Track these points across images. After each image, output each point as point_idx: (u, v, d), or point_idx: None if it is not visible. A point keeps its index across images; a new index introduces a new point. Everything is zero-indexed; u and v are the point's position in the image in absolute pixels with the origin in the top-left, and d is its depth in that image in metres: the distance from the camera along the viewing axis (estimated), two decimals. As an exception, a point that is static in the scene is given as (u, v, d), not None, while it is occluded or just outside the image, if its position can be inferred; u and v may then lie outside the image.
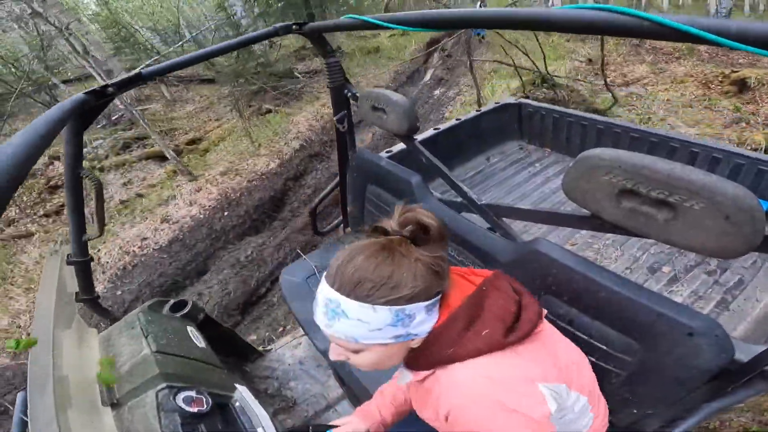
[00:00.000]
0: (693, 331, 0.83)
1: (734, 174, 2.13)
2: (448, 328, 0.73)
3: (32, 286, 4.19)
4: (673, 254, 2.11)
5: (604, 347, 1.01)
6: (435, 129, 2.92)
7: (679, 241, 0.75)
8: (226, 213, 4.90)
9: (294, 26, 1.43)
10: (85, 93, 1.03)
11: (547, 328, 0.85)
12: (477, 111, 3.10)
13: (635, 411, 1.00)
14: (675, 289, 1.93)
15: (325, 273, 0.72)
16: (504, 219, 1.33)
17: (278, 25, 1.42)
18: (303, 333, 1.96)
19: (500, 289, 0.80)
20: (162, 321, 1.40)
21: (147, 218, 4.95)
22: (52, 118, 0.75)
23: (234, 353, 1.72)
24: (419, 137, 2.79)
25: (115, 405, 0.93)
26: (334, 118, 1.81)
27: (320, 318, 0.71)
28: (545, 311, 0.86)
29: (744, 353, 0.85)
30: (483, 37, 9.54)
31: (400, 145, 2.62)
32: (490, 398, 0.67)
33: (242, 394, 1.20)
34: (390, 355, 0.74)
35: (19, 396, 0.87)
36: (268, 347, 1.92)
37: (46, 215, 5.30)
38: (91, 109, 1.09)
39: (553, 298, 1.10)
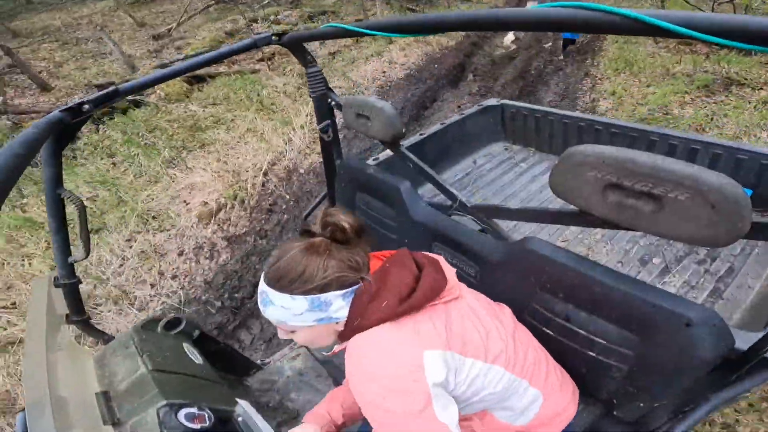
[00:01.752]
0: (690, 322, 0.83)
1: (713, 164, 2.18)
2: (356, 301, 0.84)
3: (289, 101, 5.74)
4: (662, 245, 2.15)
5: (603, 342, 1.01)
6: (420, 134, 2.94)
7: (667, 231, 0.75)
8: (436, 66, 6.73)
9: (273, 37, 1.43)
10: (61, 111, 1.01)
11: (465, 303, 0.94)
12: (461, 114, 3.13)
13: (641, 404, 1.00)
14: (667, 280, 1.96)
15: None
16: (494, 219, 1.34)
17: (256, 36, 1.43)
18: (300, 345, 1.94)
19: (401, 264, 0.89)
20: (156, 339, 1.37)
21: (370, 63, 6.64)
22: (28, 138, 0.74)
23: (232, 368, 1.69)
24: (405, 143, 2.81)
25: (116, 424, 0.90)
26: (318, 128, 1.80)
27: (259, 305, 0.86)
28: (461, 290, 0.96)
29: (743, 341, 0.87)
30: (573, 41, 6.71)
31: (388, 152, 2.63)
32: (371, 362, 0.78)
33: (244, 408, 1.18)
34: (320, 334, 0.88)
35: (19, 418, 0.83)
36: (267, 360, 1.89)
37: (262, 60, 6.98)
38: (67, 128, 1.07)
39: (548, 295, 1.11)
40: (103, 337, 1.42)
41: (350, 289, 0.83)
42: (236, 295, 3.06)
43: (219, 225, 3.56)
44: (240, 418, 1.13)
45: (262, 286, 0.84)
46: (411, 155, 1.46)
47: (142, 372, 1.12)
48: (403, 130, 1.40)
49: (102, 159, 4.51)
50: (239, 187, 3.91)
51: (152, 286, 3.06)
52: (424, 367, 0.77)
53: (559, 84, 5.69)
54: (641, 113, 4.42)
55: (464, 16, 0.82)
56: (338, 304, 0.83)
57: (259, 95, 5.73)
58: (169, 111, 5.36)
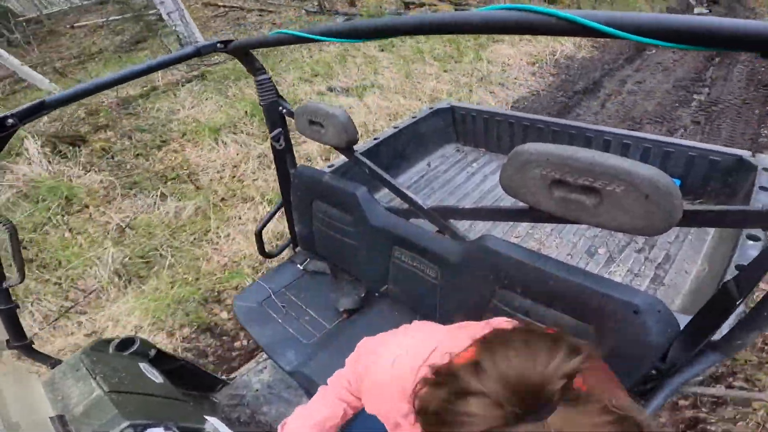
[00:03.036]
0: (638, 309, 0.88)
1: (644, 157, 2.37)
2: None
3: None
4: (605, 236, 2.29)
5: None
6: (375, 139, 2.95)
7: (607, 223, 0.79)
8: (600, 53, 8.00)
9: (219, 44, 1.37)
10: None
11: None
12: (413, 117, 3.19)
13: None
14: (613, 269, 2.09)
15: None
16: (451, 220, 1.36)
17: (200, 44, 1.37)
18: (266, 357, 1.87)
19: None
20: (109, 361, 1.29)
21: (526, 48, 7.77)
22: None
23: (196, 385, 1.60)
24: (360, 148, 2.81)
25: None
26: (270, 136, 1.74)
27: None
28: None
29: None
30: None
31: (342, 158, 2.61)
32: None
33: (214, 425, 1.13)
34: None
35: None
36: (232, 375, 1.81)
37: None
38: None
39: (507, 291, 1.14)
40: (50, 361, 1.30)
41: None
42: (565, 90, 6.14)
43: (538, 67, 6.87)
44: (211, 434, 1.08)
45: None
46: (366, 160, 1.46)
47: (97, 394, 1.05)
48: (357, 136, 1.39)
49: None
50: (537, 58, 6.94)
51: (508, 88, 6.08)
52: None
53: (744, 70, 6.48)
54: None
55: (412, 21, 0.82)
56: None
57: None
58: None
